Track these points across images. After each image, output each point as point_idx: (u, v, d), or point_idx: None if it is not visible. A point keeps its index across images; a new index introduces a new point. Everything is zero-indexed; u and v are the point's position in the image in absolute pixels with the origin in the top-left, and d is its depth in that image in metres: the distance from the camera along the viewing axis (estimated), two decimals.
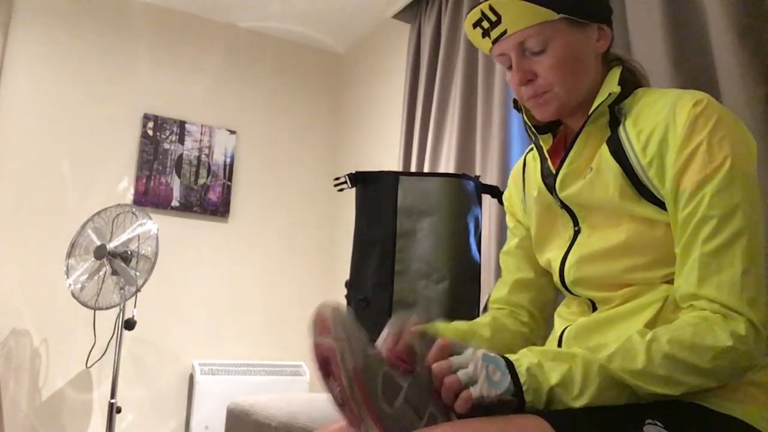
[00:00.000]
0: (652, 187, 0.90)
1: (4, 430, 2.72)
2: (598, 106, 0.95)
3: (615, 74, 0.97)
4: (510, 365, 0.80)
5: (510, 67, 0.99)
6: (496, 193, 1.70)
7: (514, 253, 1.18)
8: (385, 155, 3.27)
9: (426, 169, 2.63)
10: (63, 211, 2.96)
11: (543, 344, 1.11)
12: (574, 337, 0.97)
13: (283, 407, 1.62)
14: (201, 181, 3.30)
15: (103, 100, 3.14)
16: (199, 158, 3.32)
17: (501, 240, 2.16)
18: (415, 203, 1.50)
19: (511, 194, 1.21)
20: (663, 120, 0.89)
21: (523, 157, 1.19)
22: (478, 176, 1.67)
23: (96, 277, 2.54)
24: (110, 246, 2.50)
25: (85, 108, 3.10)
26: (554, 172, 1.02)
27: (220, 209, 3.33)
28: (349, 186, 1.60)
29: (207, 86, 3.41)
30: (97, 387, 2.94)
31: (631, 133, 0.93)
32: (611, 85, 0.95)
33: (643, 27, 1.72)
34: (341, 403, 0.76)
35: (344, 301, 1.61)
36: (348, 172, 1.60)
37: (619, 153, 0.93)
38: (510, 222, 1.21)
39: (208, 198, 3.31)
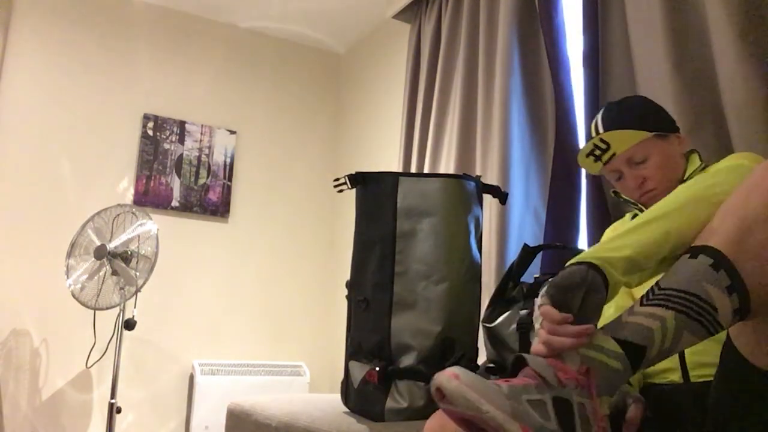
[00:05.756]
0: None
1: (4, 430, 2.72)
2: (690, 174, 1.26)
3: (695, 158, 1.31)
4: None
5: (619, 179, 1.33)
6: (497, 193, 1.70)
7: None
8: (385, 155, 3.26)
9: (426, 169, 2.63)
10: (63, 211, 2.96)
11: None
12: None
13: (283, 407, 1.62)
14: (201, 181, 3.30)
15: (103, 100, 3.14)
16: (199, 158, 3.32)
17: (501, 240, 2.16)
18: (414, 204, 1.50)
19: None
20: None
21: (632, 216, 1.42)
22: (479, 176, 1.66)
23: (96, 278, 2.54)
24: (110, 246, 2.50)
25: (85, 108, 3.10)
26: None
27: (220, 209, 3.33)
28: (349, 187, 1.59)
29: (207, 86, 3.41)
30: (97, 387, 2.94)
31: None
32: (695, 163, 1.29)
33: (643, 28, 1.72)
34: None
35: (345, 302, 1.60)
36: (348, 173, 1.60)
37: None
38: None
39: (208, 198, 3.31)
